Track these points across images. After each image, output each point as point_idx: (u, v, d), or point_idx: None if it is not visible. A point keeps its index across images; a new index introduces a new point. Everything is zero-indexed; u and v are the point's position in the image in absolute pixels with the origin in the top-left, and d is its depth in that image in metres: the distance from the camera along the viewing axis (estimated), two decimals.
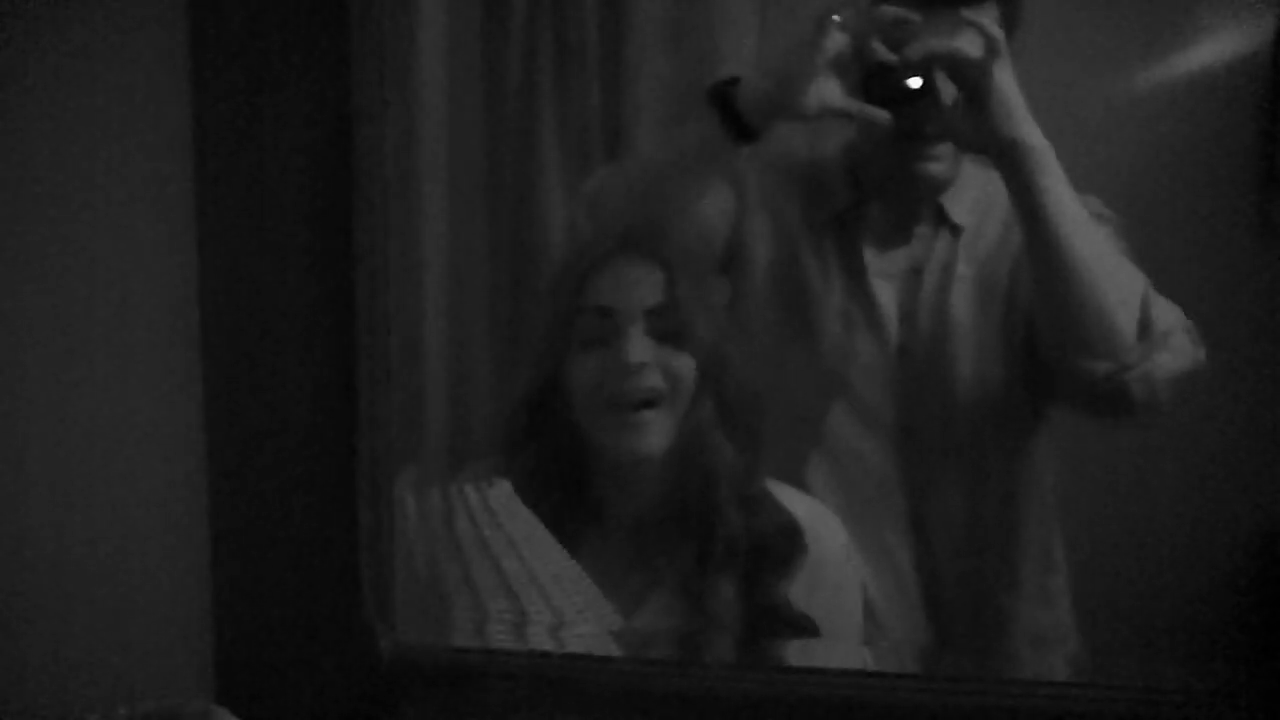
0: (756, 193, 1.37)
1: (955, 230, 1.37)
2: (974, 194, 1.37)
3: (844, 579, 1.12)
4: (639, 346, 1.05)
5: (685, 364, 1.06)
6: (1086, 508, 1.77)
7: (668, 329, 1.07)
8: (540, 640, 0.93)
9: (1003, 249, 1.35)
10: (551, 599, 0.95)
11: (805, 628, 1.05)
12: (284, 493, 2.31)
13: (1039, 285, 1.25)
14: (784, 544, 1.07)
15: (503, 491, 1.05)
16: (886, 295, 1.36)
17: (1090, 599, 1.47)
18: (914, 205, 1.37)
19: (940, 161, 1.32)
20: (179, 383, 2.20)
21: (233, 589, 2.28)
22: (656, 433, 1.05)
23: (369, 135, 2.12)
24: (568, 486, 1.10)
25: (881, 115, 1.22)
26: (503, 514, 1.02)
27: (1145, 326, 1.23)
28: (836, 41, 1.20)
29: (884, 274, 1.36)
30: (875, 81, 1.22)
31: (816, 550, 1.09)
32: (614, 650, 0.99)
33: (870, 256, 1.36)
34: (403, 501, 1.04)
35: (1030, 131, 1.20)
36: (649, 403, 1.05)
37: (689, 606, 1.06)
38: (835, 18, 1.21)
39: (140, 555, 1.99)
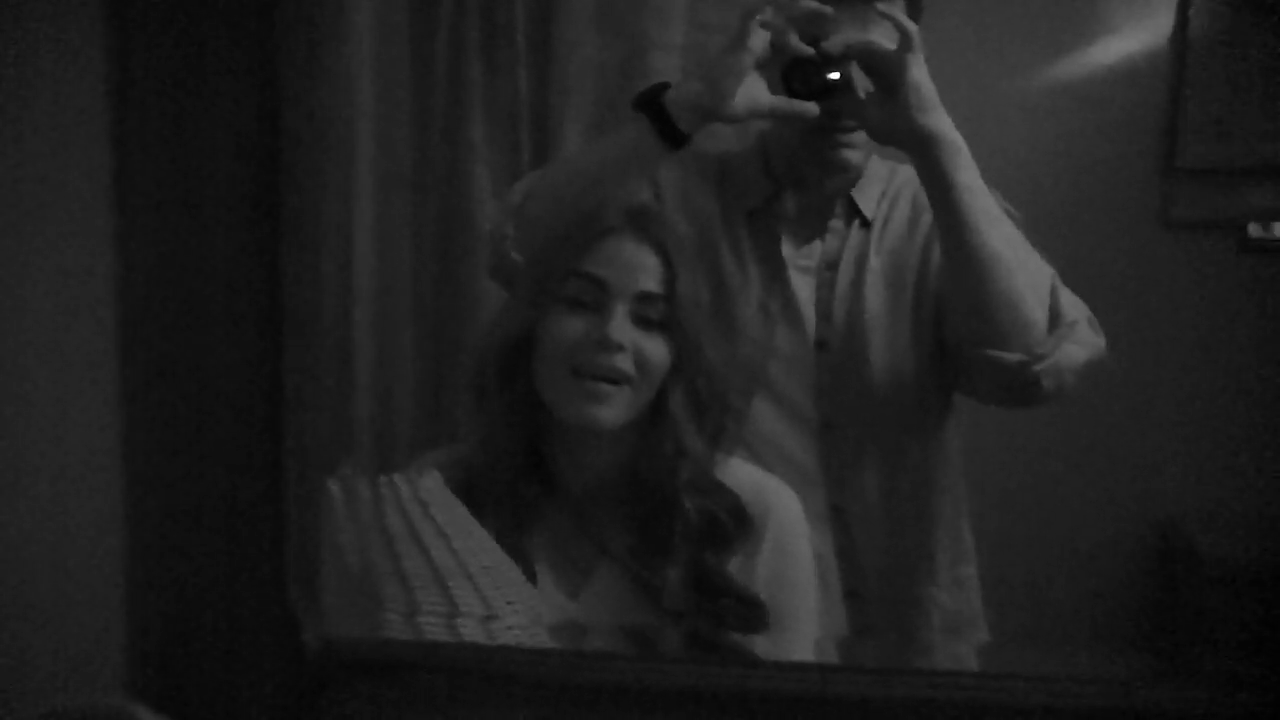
0: (673, 189, 1.39)
1: (866, 223, 1.39)
2: (879, 188, 1.41)
3: (800, 551, 1.14)
4: (620, 327, 1.06)
5: (658, 351, 1.08)
6: (992, 497, 1.82)
7: (651, 315, 1.08)
8: (471, 632, 0.93)
9: (909, 242, 1.39)
10: (482, 590, 0.96)
11: (751, 603, 1.07)
12: (207, 487, 2.29)
13: (953, 276, 1.27)
14: (732, 523, 1.09)
15: (433, 483, 1.04)
16: (804, 289, 1.38)
17: (997, 587, 1.50)
18: (827, 199, 1.40)
19: (856, 149, 1.35)
20: (95, 376, 2.16)
21: (152, 585, 2.26)
22: (613, 408, 1.07)
23: (296, 126, 2.10)
24: (524, 450, 1.10)
25: (809, 109, 1.25)
26: (433, 505, 1.02)
27: (1054, 317, 1.26)
28: (760, 41, 1.23)
29: (800, 268, 1.38)
30: (795, 76, 1.25)
31: (775, 523, 1.11)
32: (546, 641, 1.00)
33: (787, 251, 1.38)
34: (331, 494, 1.03)
35: (943, 123, 1.23)
36: (613, 379, 1.06)
37: (635, 581, 1.08)
38: (759, 17, 1.23)
39: (54, 552, 1.94)
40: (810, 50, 1.24)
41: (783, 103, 1.25)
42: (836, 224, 1.40)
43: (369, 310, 2.06)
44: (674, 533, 1.07)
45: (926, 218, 1.37)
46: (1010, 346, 1.24)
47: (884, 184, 1.42)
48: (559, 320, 1.07)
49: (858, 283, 1.38)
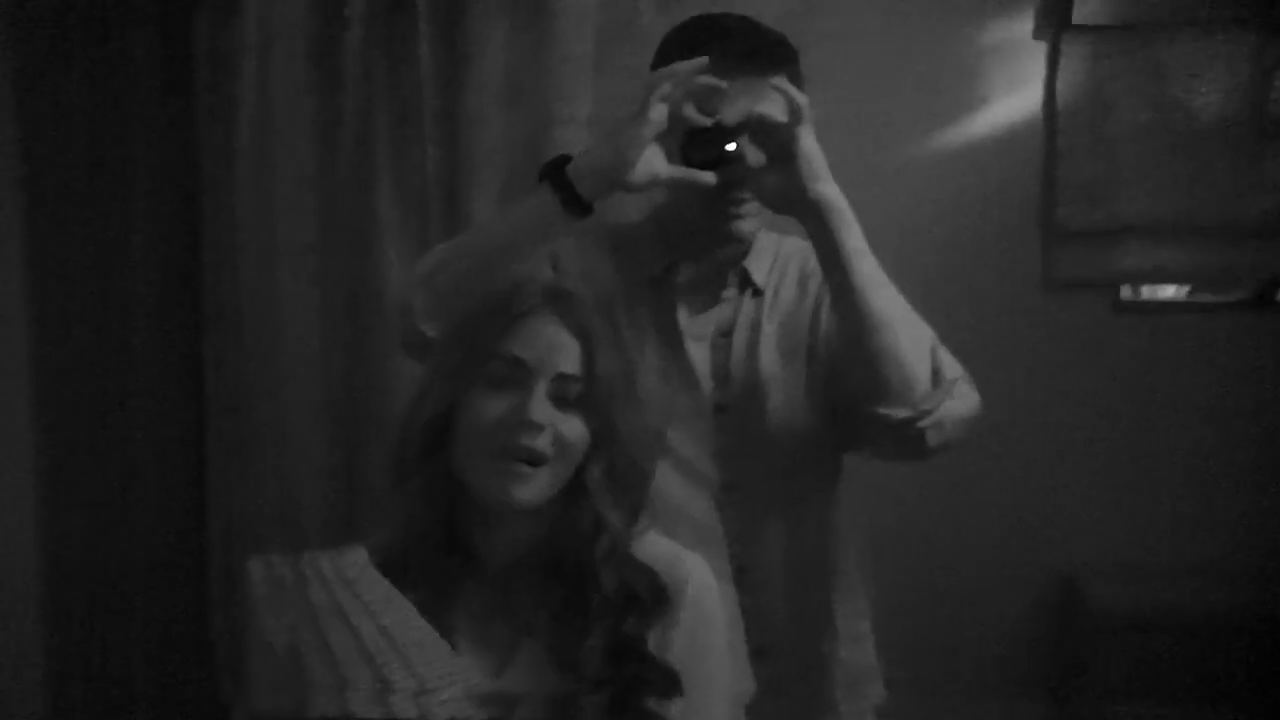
0: (572, 260, 1.42)
1: (758, 292, 1.44)
2: (769, 259, 1.46)
3: (715, 621, 1.16)
4: (540, 408, 1.07)
5: (576, 431, 1.08)
6: (892, 553, 1.87)
7: (569, 395, 1.09)
8: (403, 708, 0.94)
9: (799, 309, 1.44)
10: (413, 665, 0.96)
11: (666, 673, 1.09)
12: (132, 569, 2.23)
13: (845, 336, 1.33)
14: (649, 597, 1.10)
15: (357, 559, 1.06)
16: (700, 356, 1.42)
17: (900, 643, 1.53)
18: (720, 269, 1.44)
19: (748, 219, 1.39)
20: (10, 456, 2.10)
21: (75, 666, 2.18)
22: (532, 487, 1.07)
23: (216, 209, 2.09)
24: (443, 528, 1.10)
25: (706, 178, 1.30)
26: (359, 582, 1.03)
27: (937, 374, 1.31)
28: (660, 113, 1.28)
29: (696, 336, 1.42)
30: (694, 146, 1.31)
31: (692, 595, 1.13)
32: (477, 715, 1.01)
33: (683, 319, 1.42)
34: (251, 575, 1.04)
35: (833, 190, 1.30)
36: (533, 460, 1.07)
37: (556, 655, 1.08)
38: (659, 91, 1.28)
39: None
40: (708, 121, 1.30)
41: (681, 171, 1.31)
42: (730, 293, 1.45)
43: (292, 395, 2.05)
44: (592, 606, 1.08)
45: (813, 285, 1.43)
46: (897, 403, 1.29)
47: (773, 255, 1.47)
48: (480, 400, 1.07)
49: (753, 348, 1.42)
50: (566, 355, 1.08)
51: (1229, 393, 2.36)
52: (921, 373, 1.30)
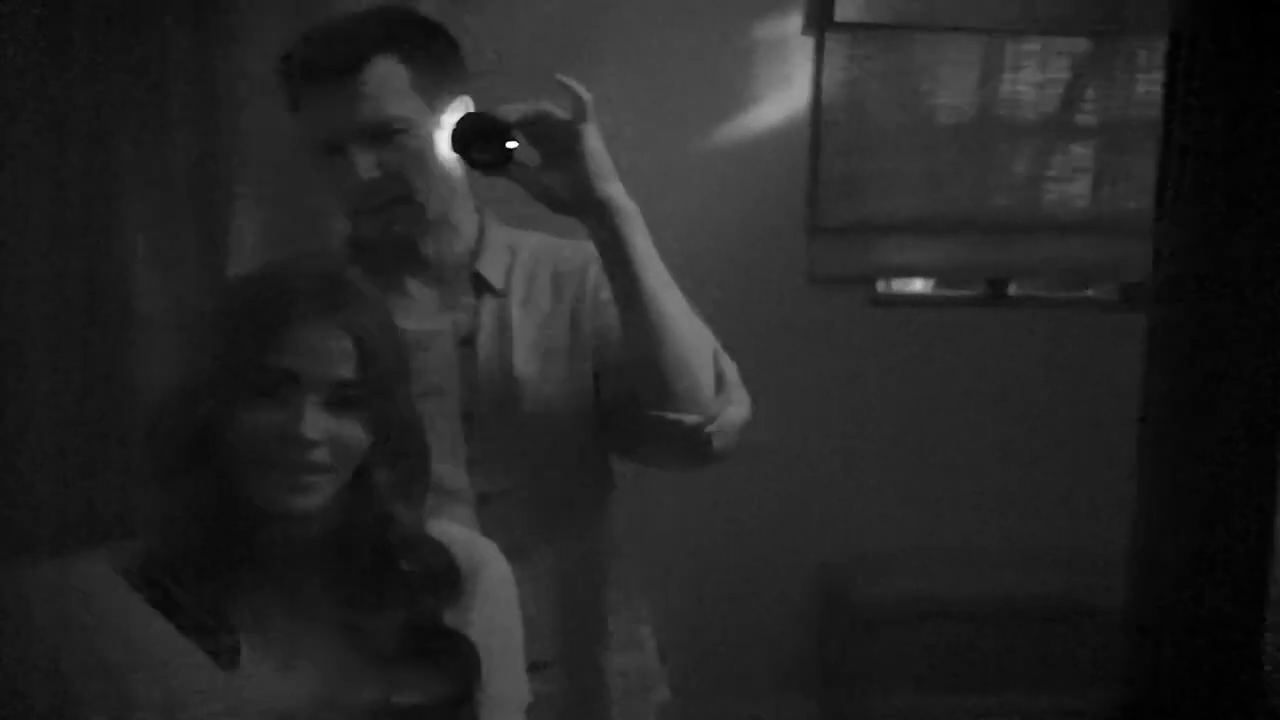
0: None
1: (497, 294, 1.38)
2: (505, 257, 1.40)
3: (512, 604, 1.16)
4: (314, 422, 1.00)
5: (356, 435, 1.03)
6: (667, 555, 1.87)
7: (348, 398, 1.02)
8: None
9: (556, 313, 1.38)
10: (163, 679, 0.90)
11: (464, 648, 1.08)
12: None
13: (630, 340, 1.29)
14: (445, 577, 1.09)
15: (95, 570, 0.98)
16: (441, 364, 1.35)
17: (679, 644, 1.53)
18: (446, 273, 1.38)
19: (402, 224, 1.33)
20: None
21: None
22: (314, 494, 1.02)
23: None
24: (219, 527, 1.03)
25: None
26: (96, 595, 0.95)
27: (720, 379, 1.30)
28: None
29: (431, 345, 1.35)
30: (476, 144, 1.23)
31: (488, 577, 1.12)
32: None
33: (414, 326, 1.32)
34: None
35: (620, 190, 1.25)
36: (311, 471, 1.02)
37: (349, 645, 1.05)
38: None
39: None
40: (490, 118, 1.23)
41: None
42: (466, 299, 1.38)
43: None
44: (386, 589, 1.05)
45: (569, 285, 1.39)
46: (685, 408, 1.27)
47: (509, 253, 1.41)
48: (247, 414, 1.00)
49: (503, 354, 1.36)
50: (341, 360, 1.01)
51: (972, 383, 2.51)
52: (707, 378, 1.28)
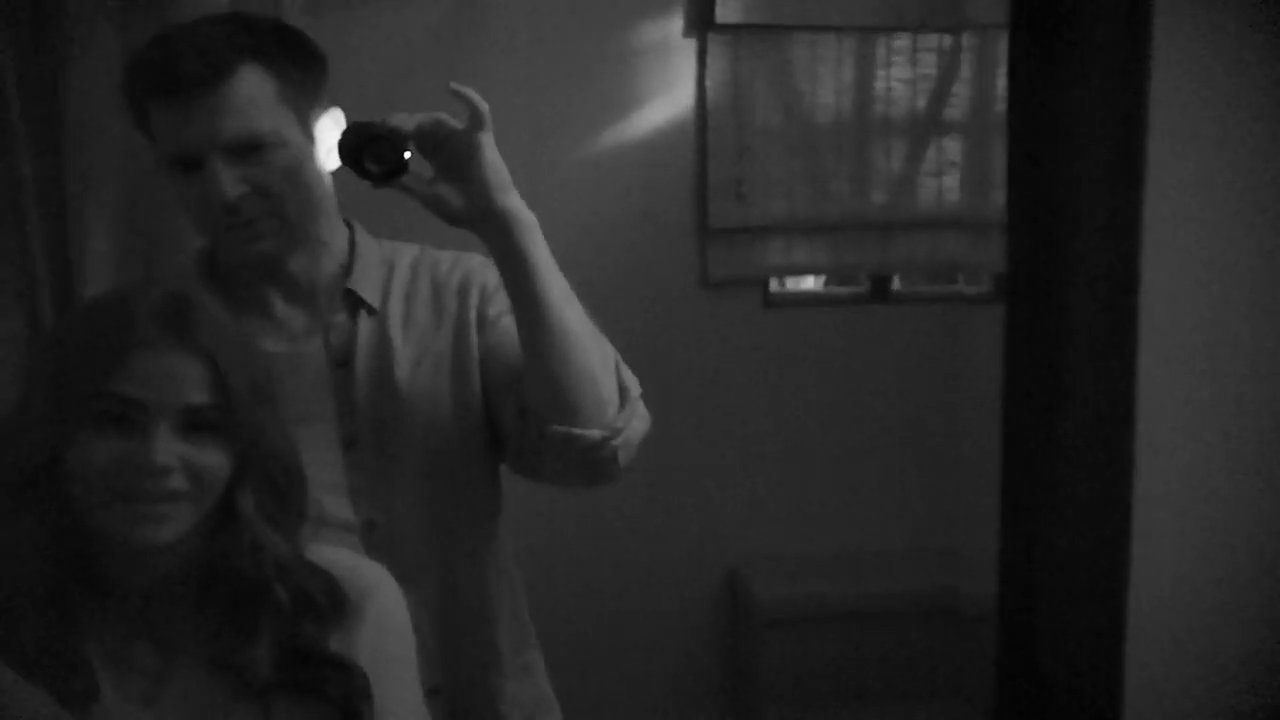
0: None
1: (372, 311, 1.32)
2: (380, 272, 1.34)
3: (403, 630, 1.11)
4: (166, 448, 0.95)
5: (215, 460, 0.98)
6: (553, 568, 1.81)
7: (203, 423, 0.98)
8: None
9: (437, 330, 1.33)
10: None
11: (350, 670, 1.03)
12: None
13: (532, 354, 1.24)
14: (328, 601, 1.04)
15: None
16: (315, 390, 1.29)
17: (565, 664, 1.48)
18: (314, 293, 1.31)
19: (267, 239, 1.25)
20: None
21: None
22: (170, 525, 0.97)
23: None
24: (68, 563, 0.97)
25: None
26: None
27: (624, 392, 1.27)
28: None
29: (302, 369, 1.29)
30: (369, 154, 1.17)
31: (376, 602, 1.08)
32: None
33: (284, 348, 1.28)
34: None
35: (518, 202, 1.21)
36: (164, 499, 0.96)
37: (219, 675, 1.00)
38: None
39: None
40: (382, 128, 1.17)
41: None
42: (340, 318, 1.32)
43: None
44: (261, 618, 1.01)
45: (450, 299, 1.34)
46: (589, 423, 1.23)
47: (385, 268, 1.35)
48: (89, 445, 0.94)
49: (383, 375, 1.30)
50: (194, 385, 0.97)
51: (863, 382, 2.53)
52: (611, 392, 1.25)
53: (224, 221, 1.22)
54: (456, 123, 1.19)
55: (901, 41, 2.54)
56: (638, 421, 1.27)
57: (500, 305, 1.30)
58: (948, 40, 2.58)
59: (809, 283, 2.67)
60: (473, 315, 1.32)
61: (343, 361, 1.29)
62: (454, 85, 1.18)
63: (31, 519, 0.95)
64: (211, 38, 1.21)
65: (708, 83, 2.38)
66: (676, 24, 2.36)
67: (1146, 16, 0.96)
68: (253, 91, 1.20)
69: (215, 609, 1.02)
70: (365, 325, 1.31)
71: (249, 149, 1.20)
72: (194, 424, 0.97)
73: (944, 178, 2.61)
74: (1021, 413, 1.10)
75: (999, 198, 2.54)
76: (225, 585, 1.01)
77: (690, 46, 2.37)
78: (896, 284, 2.69)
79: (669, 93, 2.39)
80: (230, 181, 1.19)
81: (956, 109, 2.60)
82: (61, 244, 1.75)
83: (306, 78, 1.25)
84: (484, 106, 1.18)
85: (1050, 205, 1.02)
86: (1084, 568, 1.02)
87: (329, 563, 1.06)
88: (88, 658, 0.96)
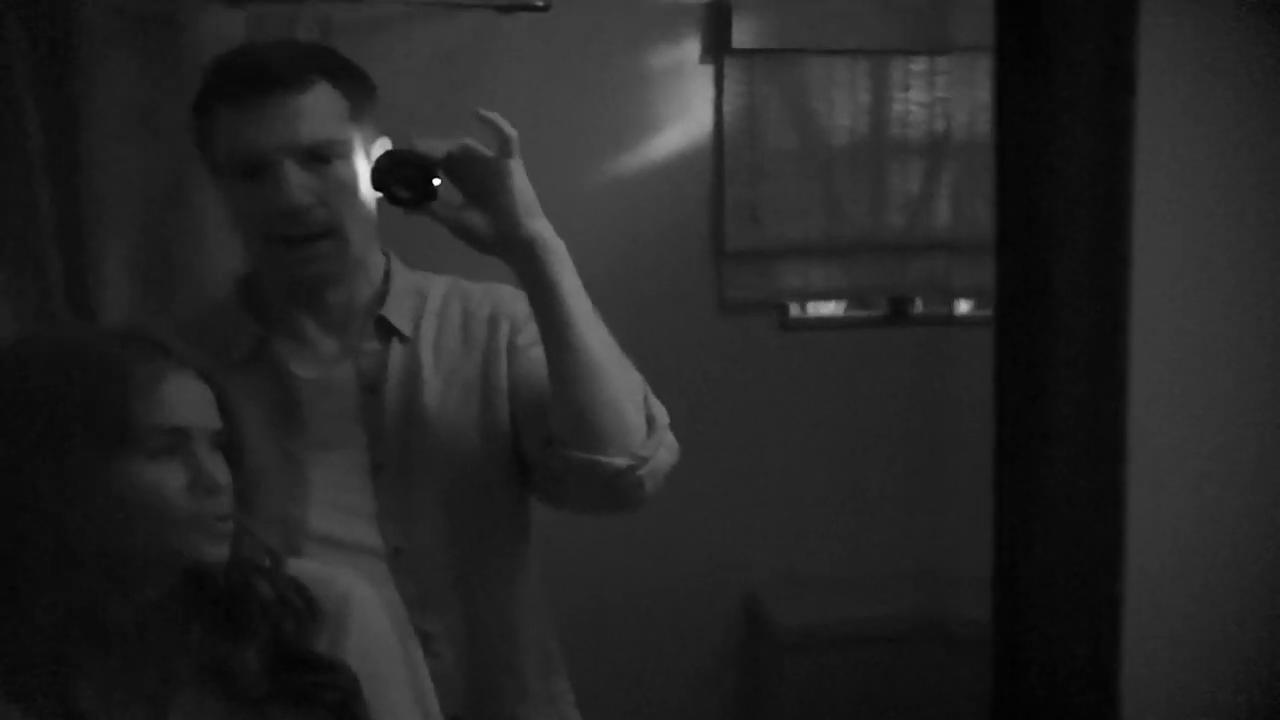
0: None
1: (404, 339, 1.33)
2: (413, 301, 1.35)
3: (384, 630, 1.14)
4: (222, 467, 1.03)
5: (226, 475, 1.04)
6: (579, 603, 1.80)
7: (219, 443, 1.04)
8: None
9: (466, 358, 1.34)
10: None
11: (340, 670, 1.06)
12: None
13: (558, 381, 1.24)
14: (309, 612, 1.08)
15: None
16: (343, 415, 1.30)
17: (582, 691, 1.46)
18: (344, 321, 1.32)
19: (324, 260, 1.27)
20: None
21: None
22: (226, 540, 1.04)
23: None
24: (70, 619, 0.99)
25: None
26: None
27: (651, 421, 1.27)
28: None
29: (331, 394, 1.30)
30: (397, 181, 1.19)
31: (357, 606, 1.11)
32: None
33: (311, 381, 1.29)
34: None
35: (546, 228, 1.22)
36: (224, 517, 1.03)
37: (218, 693, 1.03)
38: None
39: None
40: (412, 155, 1.18)
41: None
42: (371, 345, 1.32)
43: None
44: (246, 614, 1.05)
45: (479, 328, 1.35)
46: (614, 451, 1.23)
47: (418, 297, 1.36)
48: (149, 474, 0.99)
49: (412, 402, 1.31)
50: (211, 409, 1.04)
51: (881, 406, 2.50)
52: (637, 419, 1.25)
53: (284, 231, 1.23)
54: (484, 149, 1.19)
55: (919, 65, 2.53)
56: (665, 451, 1.27)
57: (530, 335, 1.31)
58: (962, 62, 2.57)
59: (829, 308, 2.66)
60: (503, 344, 1.33)
61: (373, 388, 1.30)
62: (482, 111, 1.19)
63: (34, 585, 0.97)
64: (295, 50, 1.30)
65: (725, 107, 2.39)
66: (693, 49, 2.38)
67: (1131, 35, 0.96)
68: (329, 105, 1.23)
69: (202, 617, 1.04)
70: (396, 353, 1.31)
71: (319, 159, 1.22)
72: (215, 444, 1.03)
73: (963, 200, 2.60)
74: (1012, 432, 1.09)
75: None
76: (208, 590, 1.04)
77: (707, 71, 2.38)
78: (919, 306, 2.67)
79: (686, 117, 2.39)
80: (299, 186, 1.20)
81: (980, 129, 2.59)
82: (80, 271, 1.78)
83: (367, 105, 1.28)
84: (512, 132, 1.18)
85: (1037, 224, 1.02)
86: (1081, 593, 1.01)
87: (301, 575, 1.09)
88: (80, 706, 0.98)
